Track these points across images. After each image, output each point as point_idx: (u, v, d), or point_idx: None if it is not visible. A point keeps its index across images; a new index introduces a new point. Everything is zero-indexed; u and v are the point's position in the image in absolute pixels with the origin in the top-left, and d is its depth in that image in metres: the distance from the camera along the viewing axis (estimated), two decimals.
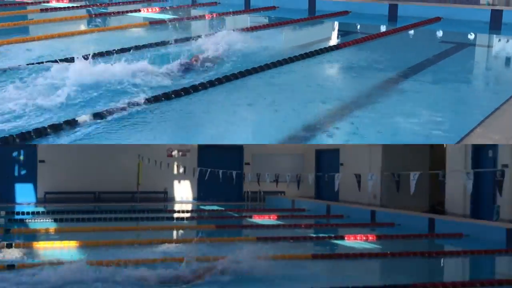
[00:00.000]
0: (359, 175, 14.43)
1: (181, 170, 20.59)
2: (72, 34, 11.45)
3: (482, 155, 15.20)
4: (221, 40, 9.81)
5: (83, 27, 12.94)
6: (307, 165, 22.85)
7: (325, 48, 10.39)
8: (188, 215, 16.25)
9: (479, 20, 13.16)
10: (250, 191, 20.64)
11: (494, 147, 14.70)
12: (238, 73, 8.36)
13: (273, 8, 15.16)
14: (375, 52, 10.82)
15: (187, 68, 8.62)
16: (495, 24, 12.76)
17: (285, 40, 11.28)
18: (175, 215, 16.17)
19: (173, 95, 7.37)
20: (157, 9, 14.70)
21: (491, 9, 13.07)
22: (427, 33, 12.87)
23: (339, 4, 14.92)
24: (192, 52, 9.38)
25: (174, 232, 12.95)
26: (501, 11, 12.88)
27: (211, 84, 7.91)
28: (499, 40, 12.72)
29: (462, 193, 14.71)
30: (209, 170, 18.52)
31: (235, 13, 13.98)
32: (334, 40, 12.03)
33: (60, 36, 11.11)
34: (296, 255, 9.23)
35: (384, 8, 14.24)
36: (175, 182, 22.64)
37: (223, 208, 18.62)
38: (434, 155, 18.25)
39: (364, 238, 11.83)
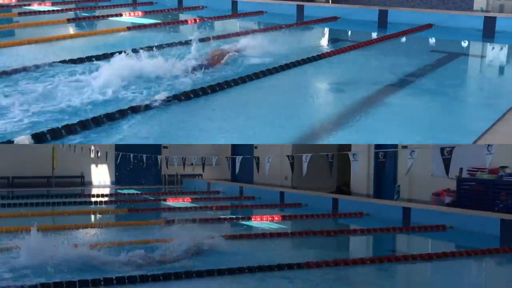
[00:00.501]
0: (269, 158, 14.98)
1: (99, 154, 20.70)
2: (58, 38, 11.01)
3: None
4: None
5: (70, 31, 12.46)
6: (223, 148, 23.34)
7: (309, 58, 9.64)
8: (103, 199, 16.50)
9: (472, 27, 12.53)
10: (168, 175, 20.99)
11: None
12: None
13: (261, 13, 14.48)
14: (363, 61, 10.31)
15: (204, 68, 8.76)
16: (488, 32, 12.19)
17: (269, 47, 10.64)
18: (90, 199, 16.40)
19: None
20: (140, 13, 14.08)
21: (484, 16, 12.51)
22: (418, 41, 12.24)
23: (328, 10, 14.25)
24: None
25: (88, 217, 13.20)
26: (495, 18, 12.32)
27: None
28: (493, 48, 12.20)
29: (366, 174, 15.55)
30: (126, 154, 18.73)
31: (222, 17, 13.60)
32: (320, 48, 11.28)
33: (39, 41, 10.70)
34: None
35: (374, 14, 13.54)
36: (92, 166, 22.72)
37: (140, 192, 18.92)
38: None
39: (270, 218, 12.45)
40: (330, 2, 17.43)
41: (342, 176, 17.98)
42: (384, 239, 11.11)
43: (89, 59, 9.07)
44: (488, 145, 8.20)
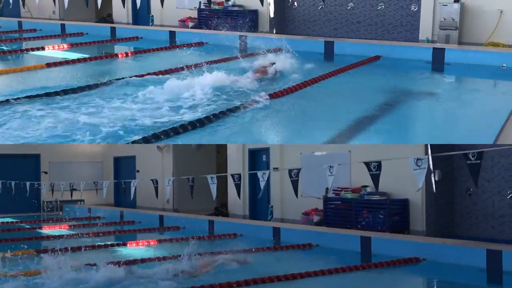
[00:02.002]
0: (156, 180, 15.01)
1: None
2: None
3: (257, 159, 16.68)
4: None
5: None
6: (106, 173, 23.25)
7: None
8: None
9: (421, 59, 12.19)
10: (47, 201, 20.66)
11: (266, 151, 16.23)
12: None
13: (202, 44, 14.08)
14: (307, 101, 9.89)
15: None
16: (437, 64, 11.93)
17: None
18: None
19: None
20: (66, 46, 13.83)
21: (433, 47, 12.31)
22: (365, 74, 11.69)
23: (272, 41, 13.12)
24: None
25: None
26: (443, 49, 12.13)
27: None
28: (444, 81, 11.80)
29: (242, 195, 16.04)
30: (6, 182, 18.29)
31: (160, 49, 13.48)
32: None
33: None
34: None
35: (320, 46, 13.02)
36: None
37: (17, 220, 18.54)
38: (220, 158, 19.56)
39: (146, 243, 12.66)
40: (274, 32, 16.91)
41: (220, 198, 18.41)
42: (254, 259, 11.48)
43: None
44: (330, 167, 8.83)
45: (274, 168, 15.25)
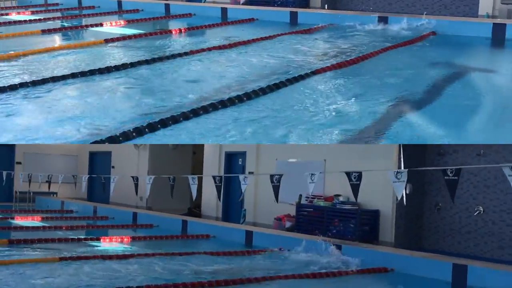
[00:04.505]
0: (136, 177, 15.03)
1: None
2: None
3: (233, 162, 16.88)
4: None
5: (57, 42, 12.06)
6: (80, 167, 23.27)
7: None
8: None
9: (479, 35, 11.69)
10: (19, 191, 20.62)
11: (243, 155, 16.44)
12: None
13: (252, 20, 14.20)
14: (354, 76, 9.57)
15: None
16: (497, 41, 11.36)
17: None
18: None
19: None
20: (123, 22, 13.91)
21: (493, 23, 11.66)
22: (420, 50, 11.18)
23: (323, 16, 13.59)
24: None
25: None
26: (504, 25, 11.41)
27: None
28: (505, 58, 11.26)
29: (215, 197, 16.23)
30: None
31: (212, 26, 13.53)
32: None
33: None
34: (44, 258, 9.87)
35: (373, 21, 12.83)
36: None
37: None
38: (196, 159, 19.73)
39: (120, 239, 12.78)
40: (326, 7, 16.20)
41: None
42: (225, 261, 11.66)
43: None
44: (311, 174, 9.07)
45: (250, 173, 15.45)
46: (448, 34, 12.08)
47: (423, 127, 7.46)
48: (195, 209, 17.81)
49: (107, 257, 10.49)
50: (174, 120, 7.19)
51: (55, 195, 22.04)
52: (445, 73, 9.87)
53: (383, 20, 12.87)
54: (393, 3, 15.91)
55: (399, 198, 8.70)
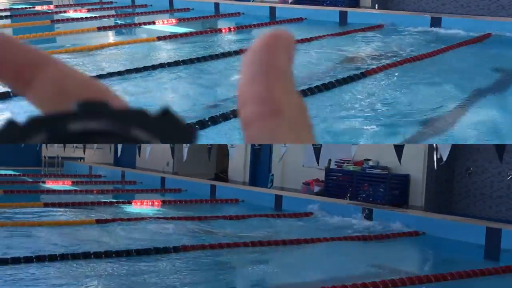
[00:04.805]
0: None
1: None
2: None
3: None
4: None
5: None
6: None
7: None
8: None
9: None
10: (48, 156, 20.84)
11: None
12: None
13: (301, 19, 14.00)
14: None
15: None
16: None
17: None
18: None
19: None
20: (174, 21, 14.11)
21: None
22: (472, 55, 10.70)
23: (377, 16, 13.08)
24: None
25: None
26: None
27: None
28: None
29: (243, 162, 16.31)
30: None
31: (260, 25, 13.41)
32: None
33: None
34: (80, 220, 10.04)
35: (426, 22, 12.47)
36: None
37: (18, 173, 18.75)
38: None
39: (150, 203, 12.93)
40: (377, 7, 15.37)
41: (220, 163, 18.67)
42: (257, 224, 11.79)
43: None
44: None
45: None
46: (506, 36, 11.63)
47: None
48: (221, 174, 17.90)
49: (140, 219, 10.66)
50: (224, 117, 7.25)
51: (82, 160, 22.26)
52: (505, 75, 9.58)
53: (436, 20, 12.51)
54: (447, 4, 15.03)
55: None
